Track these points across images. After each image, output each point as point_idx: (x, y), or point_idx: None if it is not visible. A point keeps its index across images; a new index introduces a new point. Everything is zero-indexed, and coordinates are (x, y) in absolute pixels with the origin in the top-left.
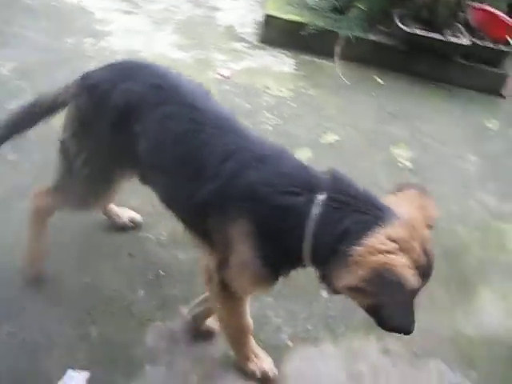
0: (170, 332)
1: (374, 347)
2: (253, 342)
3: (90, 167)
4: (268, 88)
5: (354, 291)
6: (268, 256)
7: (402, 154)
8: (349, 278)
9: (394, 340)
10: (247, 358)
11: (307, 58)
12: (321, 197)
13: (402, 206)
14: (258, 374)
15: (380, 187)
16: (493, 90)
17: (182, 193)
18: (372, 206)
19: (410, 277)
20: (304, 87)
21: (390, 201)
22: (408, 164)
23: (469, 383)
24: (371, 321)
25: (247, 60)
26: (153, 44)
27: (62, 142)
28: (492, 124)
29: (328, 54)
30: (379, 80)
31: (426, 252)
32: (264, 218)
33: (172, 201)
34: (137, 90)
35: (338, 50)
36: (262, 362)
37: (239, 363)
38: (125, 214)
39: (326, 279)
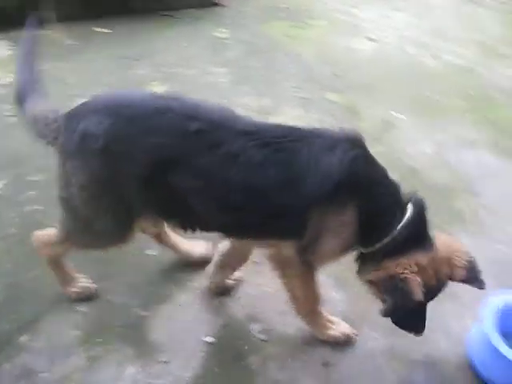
0: (21, 369)
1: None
2: (324, 311)
3: (114, 221)
4: None
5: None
6: (358, 238)
7: (157, 91)
8: (374, 275)
9: None
10: (325, 327)
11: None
12: (407, 216)
13: (440, 243)
14: (342, 337)
15: None
16: (208, 2)
17: (282, 204)
18: (424, 235)
19: (418, 291)
20: None
21: (437, 235)
22: None
23: None
24: None
25: None
26: None
27: (66, 199)
28: (223, 33)
29: (44, 21)
30: (104, 30)
31: (438, 279)
32: (371, 212)
33: (262, 219)
34: (170, 142)
35: (50, 14)
36: (339, 326)
37: (318, 334)
38: None
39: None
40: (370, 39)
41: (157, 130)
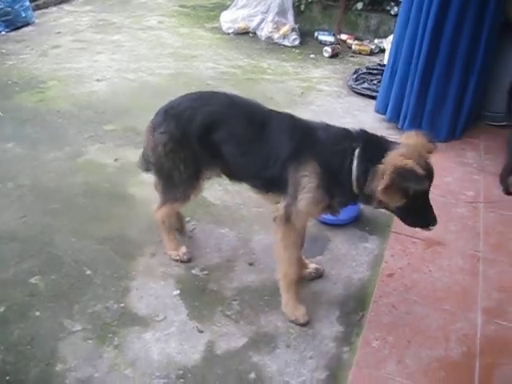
0: None
1: None
2: (296, 289)
3: (184, 173)
4: None
5: (389, 191)
6: (326, 184)
7: None
8: (382, 181)
9: None
10: (290, 303)
11: None
12: (358, 143)
13: (409, 141)
14: (297, 321)
15: None
16: None
17: (272, 161)
18: (383, 144)
19: (417, 167)
20: None
21: (401, 140)
22: None
23: None
24: None
25: None
26: None
27: (156, 163)
28: None
29: None
30: None
31: (424, 159)
32: (326, 160)
33: (261, 172)
34: (216, 110)
35: None
36: (300, 311)
37: (284, 307)
38: None
39: (369, 197)
40: (98, 80)
41: (209, 103)
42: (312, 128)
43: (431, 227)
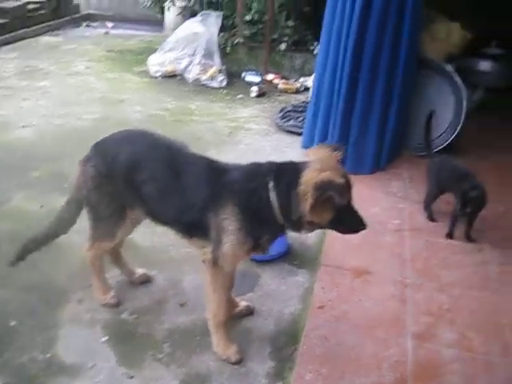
0: None
1: None
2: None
3: (110, 208)
4: None
5: (316, 209)
6: (249, 225)
7: None
8: (307, 202)
9: None
10: (220, 343)
11: None
12: (269, 176)
13: (316, 156)
14: (228, 360)
15: None
16: None
17: (190, 206)
18: (295, 168)
19: (335, 176)
20: None
21: (309, 157)
22: None
23: None
24: None
25: None
26: None
27: (86, 197)
28: None
29: None
30: None
31: (337, 168)
32: (243, 199)
33: (181, 217)
34: (139, 150)
35: None
36: (231, 349)
37: (214, 346)
38: None
39: (298, 223)
40: (24, 126)
41: (133, 143)
42: (226, 170)
43: (362, 229)
